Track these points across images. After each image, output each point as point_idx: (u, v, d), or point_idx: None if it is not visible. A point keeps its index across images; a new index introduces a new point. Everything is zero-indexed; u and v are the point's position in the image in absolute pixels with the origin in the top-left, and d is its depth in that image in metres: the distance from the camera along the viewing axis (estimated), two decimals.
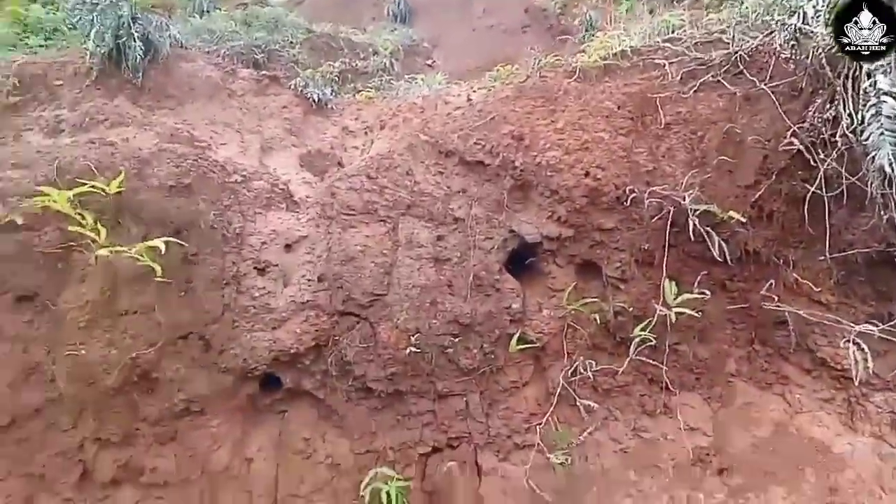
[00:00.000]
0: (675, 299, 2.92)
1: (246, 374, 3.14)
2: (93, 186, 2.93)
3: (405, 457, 3.13)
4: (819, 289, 2.97)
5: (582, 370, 3.08)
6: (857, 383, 2.69)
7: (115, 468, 3.00)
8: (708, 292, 2.99)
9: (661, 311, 2.96)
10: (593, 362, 3.11)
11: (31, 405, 2.96)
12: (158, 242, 2.88)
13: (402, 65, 8.78)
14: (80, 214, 2.89)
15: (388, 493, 2.94)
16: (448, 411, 3.18)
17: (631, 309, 3.15)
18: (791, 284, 3.04)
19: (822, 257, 2.96)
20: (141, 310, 3.05)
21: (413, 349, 3.08)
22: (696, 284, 3.02)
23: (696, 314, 2.94)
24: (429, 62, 9.34)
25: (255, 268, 3.26)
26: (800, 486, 2.59)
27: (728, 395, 3.01)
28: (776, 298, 3.01)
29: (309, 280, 3.24)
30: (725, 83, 3.33)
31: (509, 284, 3.27)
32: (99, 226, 2.89)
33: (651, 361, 3.05)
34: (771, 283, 3.05)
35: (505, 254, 3.32)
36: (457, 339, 3.17)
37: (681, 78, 3.43)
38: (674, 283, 2.99)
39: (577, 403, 3.04)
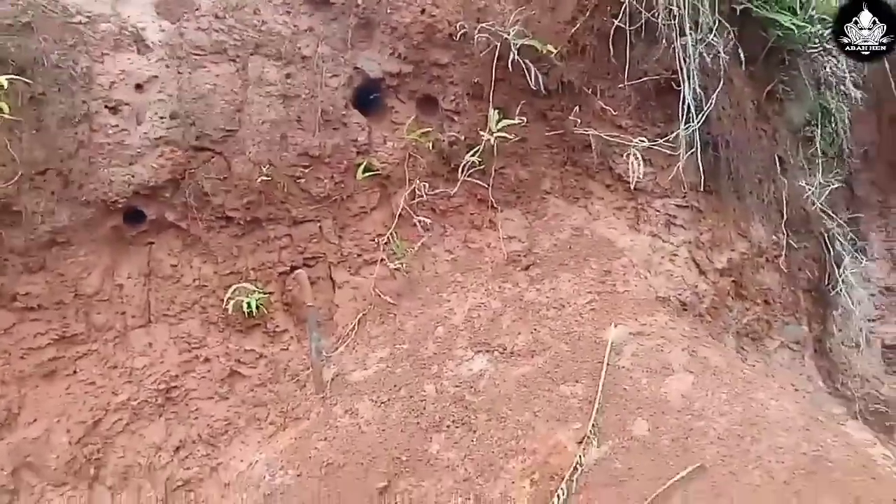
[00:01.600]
0: (498, 127, 3.49)
1: (108, 206, 3.53)
2: None
3: (265, 276, 3.70)
4: (619, 114, 3.60)
5: (421, 194, 3.66)
6: (632, 188, 3.42)
7: None
8: (525, 119, 3.57)
9: (486, 137, 3.53)
10: (430, 186, 3.68)
11: None
12: (2, 80, 3.11)
13: None
14: None
15: (248, 304, 3.52)
16: (303, 235, 3.74)
17: (464, 138, 3.71)
18: (598, 111, 3.67)
19: (622, 85, 3.57)
20: None
21: (265, 178, 3.54)
22: (518, 114, 3.59)
23: (517, 140, 3.53)
24: None
25: (106, 106, 3.55)
26: (583, 272, 3.36)
27: (542, 209, 3.70)
28: (585, 124, 3.62)
29: (161, 118, 3.58)
30: None
31: (355, 119, 3.75)
32: None
33: (480, 183, 3.67)
34: (582, 111, 3.65)
35: (351, 90, 3.76)
36: (307, 170, 3.66)
37: None
38: (499, 112, 3.55)
39: (416, 222, 3.64)
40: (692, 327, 3.24)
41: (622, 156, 3.64)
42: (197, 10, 3.76)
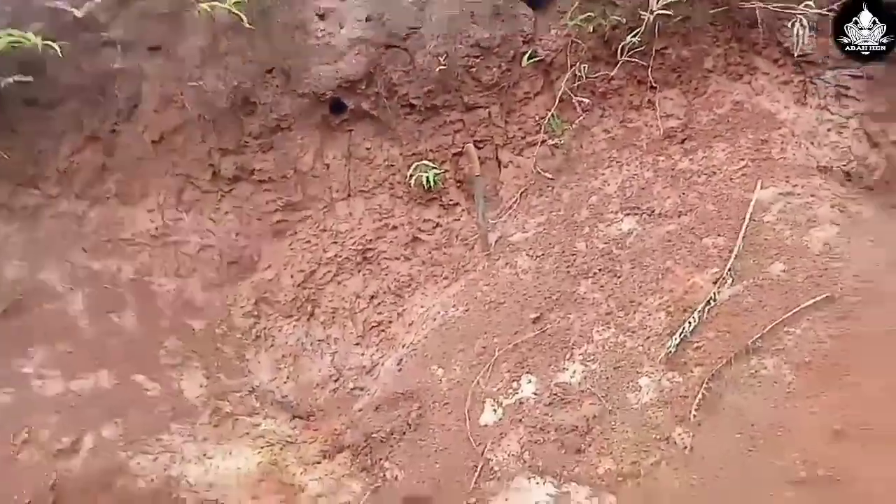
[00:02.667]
0: (659, 5, 3.76)
1: (318, 98, 4.46)
2: None
3: (442, 156, 4.42)
4: None
5: (581, 76, 4.08)
6: (796, 55, 3.50)
7: (234, 169, 4.53)
8: None
9: (646, 16, 3.83)
10: (590, 69, 4.09)
11: (171, 125, 4.48)
12: None
13: None
14: None
15: (427, 179, 4.28)
16: (474, 119, 4.37)
17: (625, 21, 4.03)
18: None
19: None
20: (237, 51, 4.37)
21: (442, 68, 4.21)
22: None
23: (680, 20, 3.78)
24: None
25: (316, 14, 4.44)
26: (738, 142, 3.57)
27: (702, 87, 3.93)
28: None
29: (358, 20, 4.38)
30: None
31: (522, 11, 4.25)
32: None
33: (640, 63, 3.98)
34: None
35: None
36: (479, 60, 4.26)
37: None
38: None
39: (576, 104, 4.09)
40: (851, 194, 3.32)
41: (791, 28, 3.70)
42: None
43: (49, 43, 3.96)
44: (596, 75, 4.12)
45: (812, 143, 3.53)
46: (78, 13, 4.22)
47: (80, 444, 3.25)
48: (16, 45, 3.88)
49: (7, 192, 4.13)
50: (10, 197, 4.17)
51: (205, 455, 3.35)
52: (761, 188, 3.28)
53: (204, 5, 4.13)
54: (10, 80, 3.97)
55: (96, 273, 4.03)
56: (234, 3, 4.13)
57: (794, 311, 2.71)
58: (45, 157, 4.28)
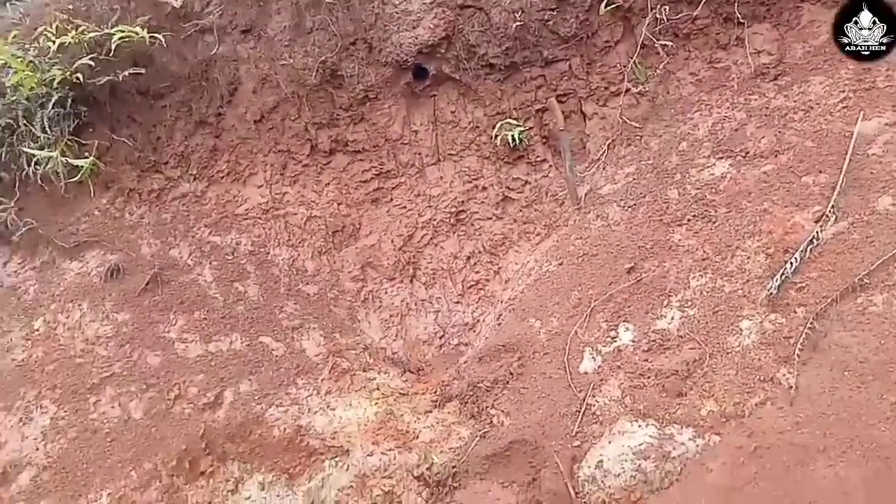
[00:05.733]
0: None
1: (400, 66, 4.55)
2: None
3: (525, 113, 4.44)
4: None
5: (662, 19, 3.94)
6: None
7: (329, 142, 4.74)
8: None
9: None
10: (672, 11, 3.94)
11: (269, 104, 4.73)
12: None
13: None
14: None
15: (512, 137, 4.31)
16: (555, 74, 4.34)
17: None
18: None
19: None
20: (321, 26, 4.52)
21: (518, 24, 4.18)
22: None
23: None
24: None
25: None
26: (838, 73, 3.36)
27: (794, 18, 3.69)
28: None
29: None
30: None
31: None
32: None
33: None
34: None
35: None
36: (555, 13, 4.20)
37: None
38: None
39: (658, 48, 3.97)
40: None
41: None
42: None
43: (154, 35, 4.27)
44: (678, 16, 3.97)
45: None
46: (175, 3, 4.50)
47: (222, 399, 3.64)
48: (126, 39, 4.21)
49: (135, 177, 4.54)
50: (139, 182, 4.58)
51: (328, 406, 3.65)
52: (864, 119, 3.10)
53: None
54: (126, 72, 4.32)
55: (218, 247, 4.40)
56: None
57: None
58: (162, 143, 4.67)
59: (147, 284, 4.03)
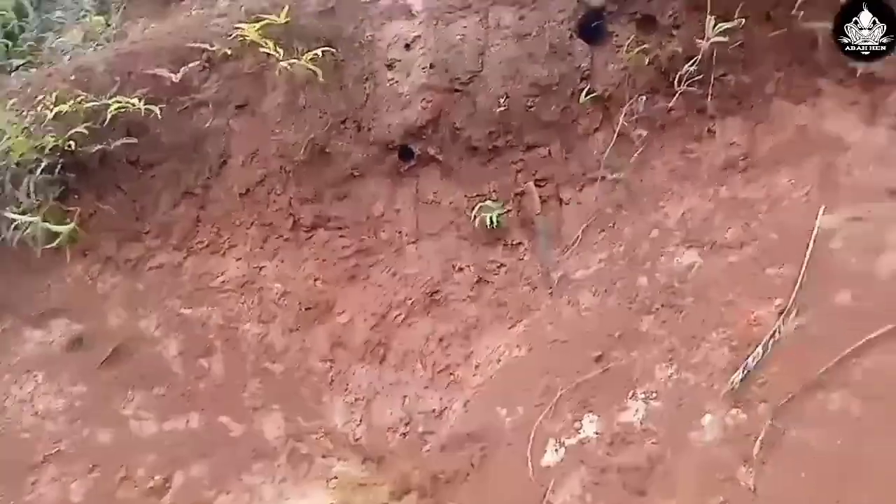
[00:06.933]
0: (715, 32, 3.80)
1: (387, 146, 4.79)
2: (269, 20, 4.62)
3: (504, 196, 4.60)
4: None
5: (639, 109, 4.16)
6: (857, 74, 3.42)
7: (312, 217, 4.92)
8: (747, 22, 3.79)
9: (703, 45, 3.87)
10: (649, 102, 4.16)
11: (256, 177, 4.95)
12: (317, 53, 4.52)
13: None
14: (265, 41, 4.61)
15: (491, 219, 4.46)
16: (535, 158, 4.54)
17: (681, 50, 4.08)
18: (829, 2, 3.69)
19: None
20: (313, 105, 4.80)
21: (502, 109, 4.42)
22: (739, 17, 3.82)
23: (738, 46, 3.80)
24: None
25: (385, 64, 4.80)
26: (802, 166, 3.49)
27: (764, 112, 3.87)
28: (813, 18, 3.70)
29: (423, 68, 4.69)
30: None
31: (579, 48, 4.41)
32: (277, 48, 4.59)
33: (699, 92, 4.01)
34: (808, 3, 3.72)
35: (575, 22, 4.41)
36: (538, 99, 4.44)
37: None
38: (715, 18, 3.83)
39: (634, 138, 4.16)
40: None
41: None
42: None
43: (150, 107, 4.55)
44: (654, 107, 4.17)
45: (882, 166, 3.40)
46: (175, 78, 4.82)
47: (171, 482, 3.61)
48: (122, 109, 4.49)
49: (113, 245, 4.71)
50: (117, 251, 4.75)
51: (281, 496, 3.61)
52: (825, 213, 3.19)
53: (283, 63, 4.59)
54: (118, 142, 4.57)
55: (188, 320, 4.49)
56: (310, 59, 4.56)
57: (863, 341, 2.61)
58: (145, 212, 4.86)
59: (109, 357, 4.10)
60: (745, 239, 3.42)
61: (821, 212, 3.20)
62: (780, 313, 3.00)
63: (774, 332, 2.94)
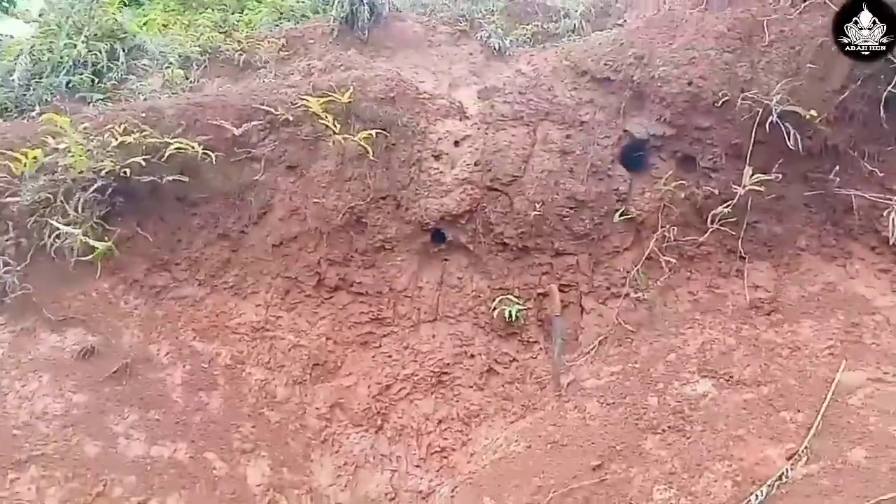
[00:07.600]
0: (751, 181, 3.97)
1: (422, 227, 4.90)
2: (333, 98, 4.88)
3: (526, 294, 4.65)
4: (887, 176, 3.77)
5: (671, 238, 4.27)
6: (891, 243, 3.51)
7: (336, 279, 4.96)
8: (785, 178, 3.96)
9: (739, 191, 4.03)
10: (681, 233, 4.27)
11: (291, 233, 5.04)
12: (371, 133, 4.74)
13: (593, 25, 10.04)
14: (325, 115, 4.85)
15: (510, 313, 4.48)
16: (562, 265, 4.61)
17: (718, 193, 4.24)
18: (865, 174, 3.88)
19: (892, 148, 3.75)
20: (359, 177, 4.97)
21: (537, 214, 4.55)
22: (777, 173, 3.99)
23: (773, 198, 3.96)
24: (619, 22, 10.43)
25: (432, 155, 5.00)
26: (828, 321, 3.53)
27: (794, 264, 3.97)
28: (850, 185, 3.87)
29: (468, 164, 4.88)
30: (830, 2, 4.17)
31: (619, 172, 4.58)
32: (335, 122, 4.82)
33: (731, 232, 4.12)
34: (847, 173, 3.91)
35: (619, 149, 4.62)
36: (573, 211, 4.57)
37: (791, 2, 4.35)
38: (753, 169, 4.01)
39: (663, 263, 4.24)
40: None
41: (888, 217, 3.75)
42: (507, 90, 5.07)
43: (207, 152, 4.72)
44: (685, 239, 4.28)
45: None
46: (236, 132, 5.02)
47: None
48: (181, 150, 4.66)
49: (143, 270, 4.73)
50: (145, 276, 4.77)
51: None
52: (848, 370, 3.19)
53: (338, 136, 4.79)
54: (170, 178, 4.71)
55: (198, 353, 4.44)
56: (364, 137, 4.77)
57: (875, 501, 2.53)
58: (180, 245, 4.91)
59: (115, 372, 4.04)
60: (763, 379, 3.40)
61: (842, 366, 3.20)
62: (790, 458, 2.93)
63: (782, 474, 2.86)
